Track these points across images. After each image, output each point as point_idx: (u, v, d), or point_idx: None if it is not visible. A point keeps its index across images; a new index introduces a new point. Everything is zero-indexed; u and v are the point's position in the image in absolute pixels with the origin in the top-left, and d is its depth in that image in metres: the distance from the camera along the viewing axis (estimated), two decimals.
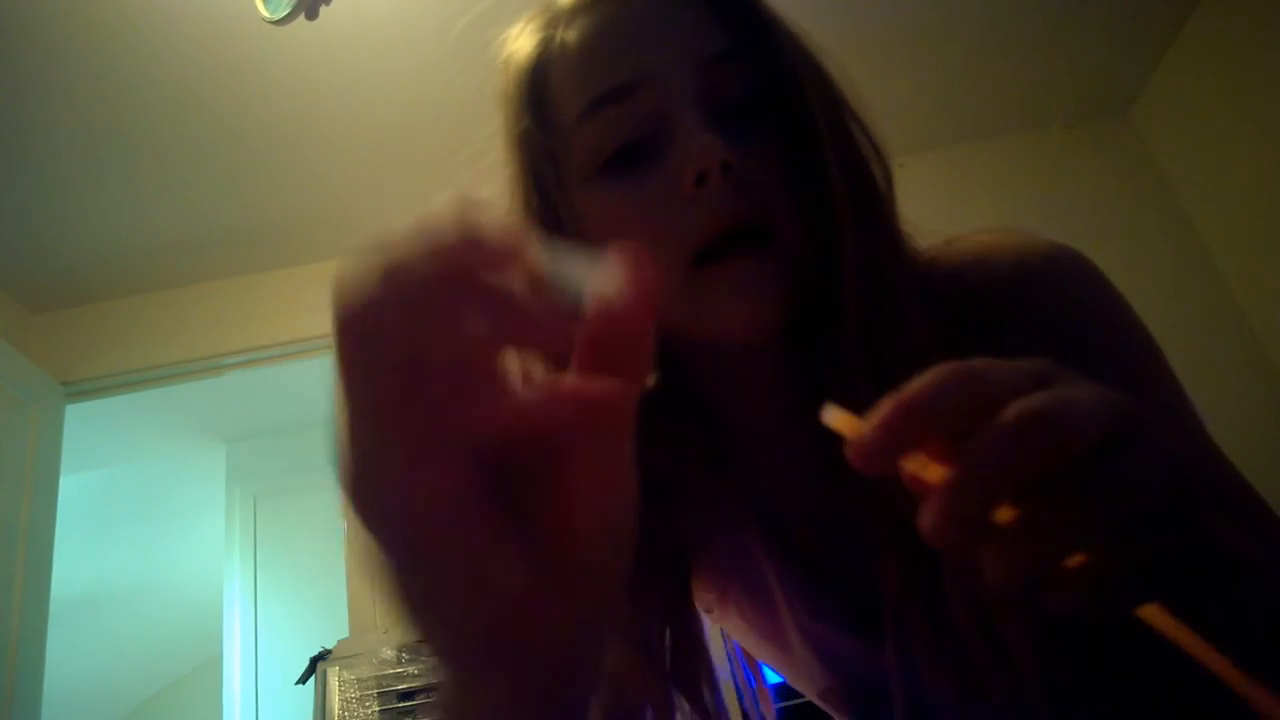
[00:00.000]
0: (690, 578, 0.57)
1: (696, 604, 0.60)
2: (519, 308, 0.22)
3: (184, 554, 4.11)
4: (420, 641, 0.25)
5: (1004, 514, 0.24)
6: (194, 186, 2.35)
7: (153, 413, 3.27)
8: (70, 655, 3.56)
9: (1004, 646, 0.41)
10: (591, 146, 0.47)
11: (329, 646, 2.02)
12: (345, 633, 2.22)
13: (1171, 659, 0.26)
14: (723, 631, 0.65)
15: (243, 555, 3.54)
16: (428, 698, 1.82)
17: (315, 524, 3.41)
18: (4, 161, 2.11)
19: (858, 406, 0.27)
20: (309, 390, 3.02)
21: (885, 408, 0.25)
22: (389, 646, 1.91)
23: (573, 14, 0.50)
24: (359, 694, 1.84)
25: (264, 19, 1.68)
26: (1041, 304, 0.46)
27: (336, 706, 1.83)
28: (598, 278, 0.23)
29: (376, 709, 1.81)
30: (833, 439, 0.27)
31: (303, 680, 1.97)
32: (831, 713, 0.59)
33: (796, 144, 0.46)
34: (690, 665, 0.54)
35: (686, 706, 0.53)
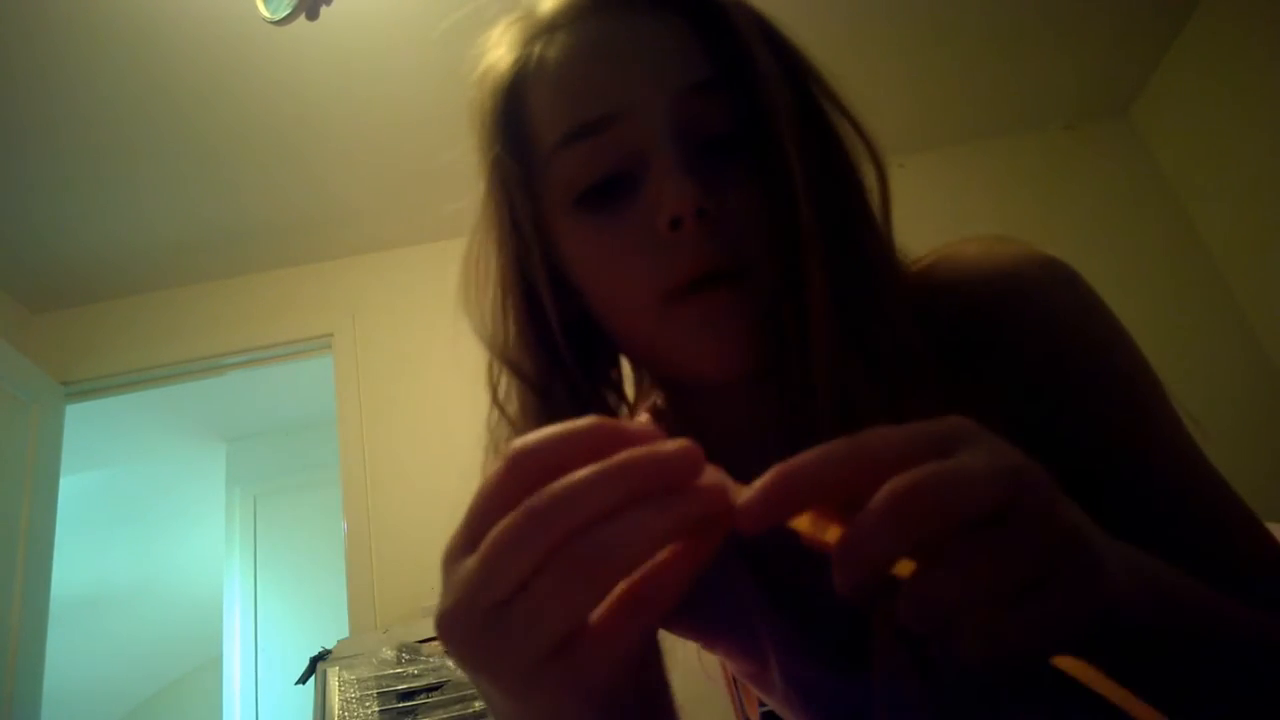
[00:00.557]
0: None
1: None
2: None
3: (184, 554, 4.11)
4: None
5: (903, 568, 0.26)
6: (194, 187, 2.35)
7: (153, 413, 3.27)
8: (70, 655, 3.57)
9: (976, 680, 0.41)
10: (568, 178, 0.46)
11: (329, 646, 2.02)
12: (345, 633, 2.22)
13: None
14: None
15: (242, 555, 3.54)
16: (427, 698, 1.82)
17: (315, 524, 3.41)
18: (4, 162, 2.11)
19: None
20: (309, 390, 3.02)
21: (768, 476, 0.26)
22: (389, 647, 1.91)
23: (551, 29, 0.49)
24: (359, 694, 1.84)
25: (265, 19, 1.68)
26: (1029, 322, 0.46)
27: (336, 707, 1.83)
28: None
29: (376, 709, 1.81)
30: None
31: (302, 680, 1.97)
32: None
33: (774, 177, 0.44)
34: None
35: None
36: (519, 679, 0.26)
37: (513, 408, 0.51)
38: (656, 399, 0.61)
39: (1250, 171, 2.45)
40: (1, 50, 1.84)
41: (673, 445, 0.26)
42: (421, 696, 1.82)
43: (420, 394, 2.50)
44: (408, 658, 1.88)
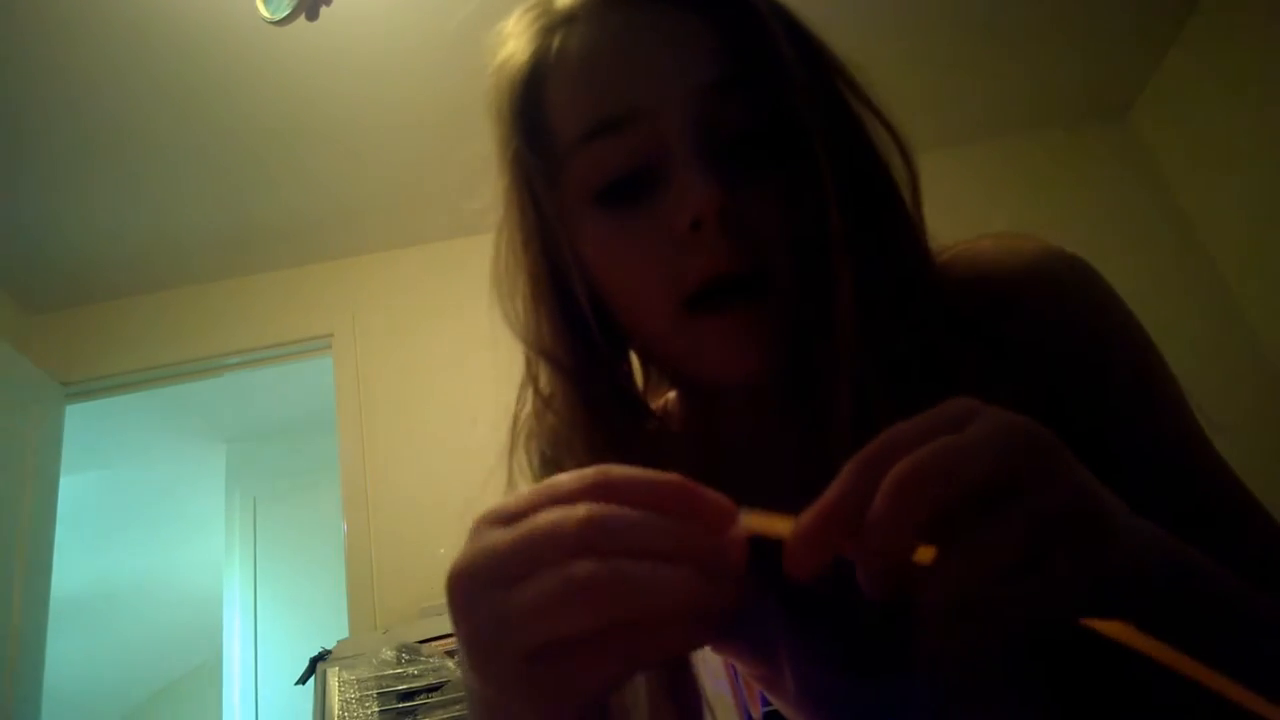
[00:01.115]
0: None
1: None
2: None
3: (184, 554, 4.11)
4: None
5: (923, 554, 0.26)
6: (194, 187, 2.35)
7: (153, 413, 3.27)
8: (70, 655, 3.56)
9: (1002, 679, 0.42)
10: (587, 175, 0.46)
11: (329, 647, 2.02)
12: (345, 633, 2.21)
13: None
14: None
15: (242, 555, 3.54)
16: (427, 698, 1.82)
17: (315, 524, 3.41)
18: (4, 162, 2.11)
19: (841, 454, 0.29)
20: (309, 390, 3.02)
21: (805, 524, 0.27)
22: (389, 647, 1.91)
23: (570, 20, 0.48)
24: (359, 694, 1.84)
25: (265, 19, 1.68)
26: (1050, 317, 0.46)
27: (336, 707, 1.83)
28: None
29: (376, 709, 1.81)
30: (829, 473, 0.29)
31: (302, 680, 1.97)
32: None
33: (799, 176, 0.44)
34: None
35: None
36: (493, 661, 0.27)
37: (557, 400, 0.50)
38: (668, 397, 0.60)
39: (1250, 171, 2.45)
40: (1, 50, 1.84)
41: (730, 535, 0.28)
42: (421, 697, 1.82)
43: (420, 394, 2.50)
44: (407, 658, 1.88)
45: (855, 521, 0.27)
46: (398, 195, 2.48)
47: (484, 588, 0.27)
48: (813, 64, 0.46)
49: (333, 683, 1.88)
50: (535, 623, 0.26)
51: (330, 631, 2.22)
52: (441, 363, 2.44)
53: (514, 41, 0.51)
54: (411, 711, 1.81)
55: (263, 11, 1.68)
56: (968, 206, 2.60)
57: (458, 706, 1.78)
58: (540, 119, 0.49)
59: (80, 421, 2.61)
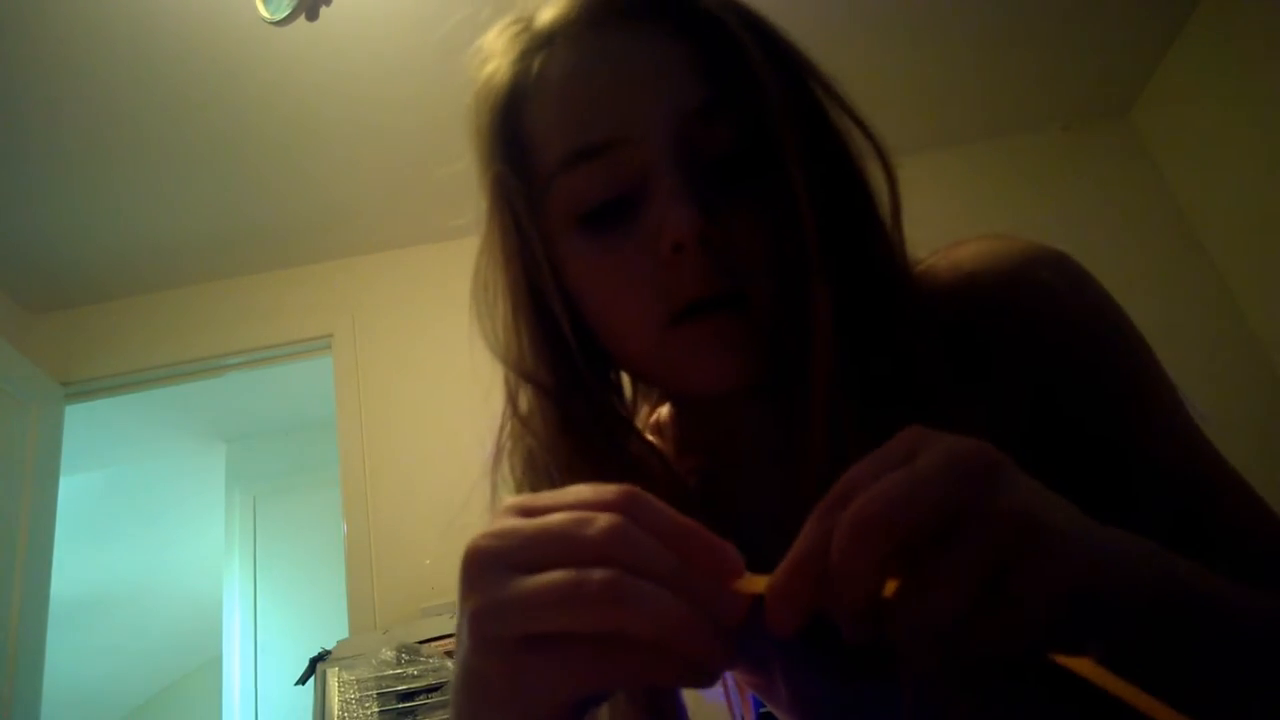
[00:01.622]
0: None
1: None
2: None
3: (184, 554, 4.11)
4: None
5: (889, 588, 0.27)
6: (194, 187, 2.35)
7: (153, 413, 3.27)
8: (70, 655, 3.57)
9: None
10: (570, 199, 0.46)
11: (328, 647, 2.02)
12: (345, 633, 2.21)
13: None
14: None
15: (242, 555, 3.54)
16: (427, 698, 1.82)
17: (315, 524, 3.41)
18: (4, 163, 2.11)
19: (818, 478, 0.30)
20: (309, 390, 3.02)
21: (778, 583, 0.28)
22: (388, 647, 1.91)
23: (550, 42, 0.48)
24: (358, 695, 1.84)
25: (265, 20, 1.68)
26: (1039, 317, 0.46)
27: (336, 707, 1.83)
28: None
29: (376, 710, 1.81)
30: (814, 481, 0.30)
31: (302, 681, 1.97)
32: None
33: (779, 198, 0.44)
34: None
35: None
36: (489, 637, 0.29)
37: (535, 421, 0.51)
38: (660, 412, 0.61)
39: (1250, 172, 2.45)
40: (1, 51, 1.84)
41: (733, 589, 0.29)
42: (421, 697, 1.82)
43: (420, 394, 2.50)
44: (407, 658, 1.88)
45: (824, 573, 0.27)
46: (398, 195, 2.48)
47: (499, 567, 0.29)
48: (792, 80, 0.46)
49: (332, 683, 1.88)
50: (540, 610, 0.27)
51: (330, 631, 2.22)
52: (441, 362, 2.44)
53: (494, 62, 0.51)
54: (411, 712, 1.81)
55: (263, 12, 1.68)
56: (968, 206, 2.61)
57: None
58: (521, 142, 0.49)
59: (80, 422, 2.61)
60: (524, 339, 0.50)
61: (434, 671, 1.85)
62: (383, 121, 2.25)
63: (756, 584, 0.29)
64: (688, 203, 0.43)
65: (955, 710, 0.42)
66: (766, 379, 0.46)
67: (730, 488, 0.55)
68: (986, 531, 0.26)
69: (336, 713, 1.82)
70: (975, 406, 0.37)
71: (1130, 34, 2.50)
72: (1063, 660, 0.27)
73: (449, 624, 1.95)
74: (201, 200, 2.40)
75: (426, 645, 1.92)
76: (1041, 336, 0.45)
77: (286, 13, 1.65)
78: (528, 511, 0.30)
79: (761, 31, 0.47)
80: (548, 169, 0.47)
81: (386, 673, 1.86)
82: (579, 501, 0.30)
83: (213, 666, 3.56)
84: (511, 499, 0.32)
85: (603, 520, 0.28)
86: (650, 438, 0.60)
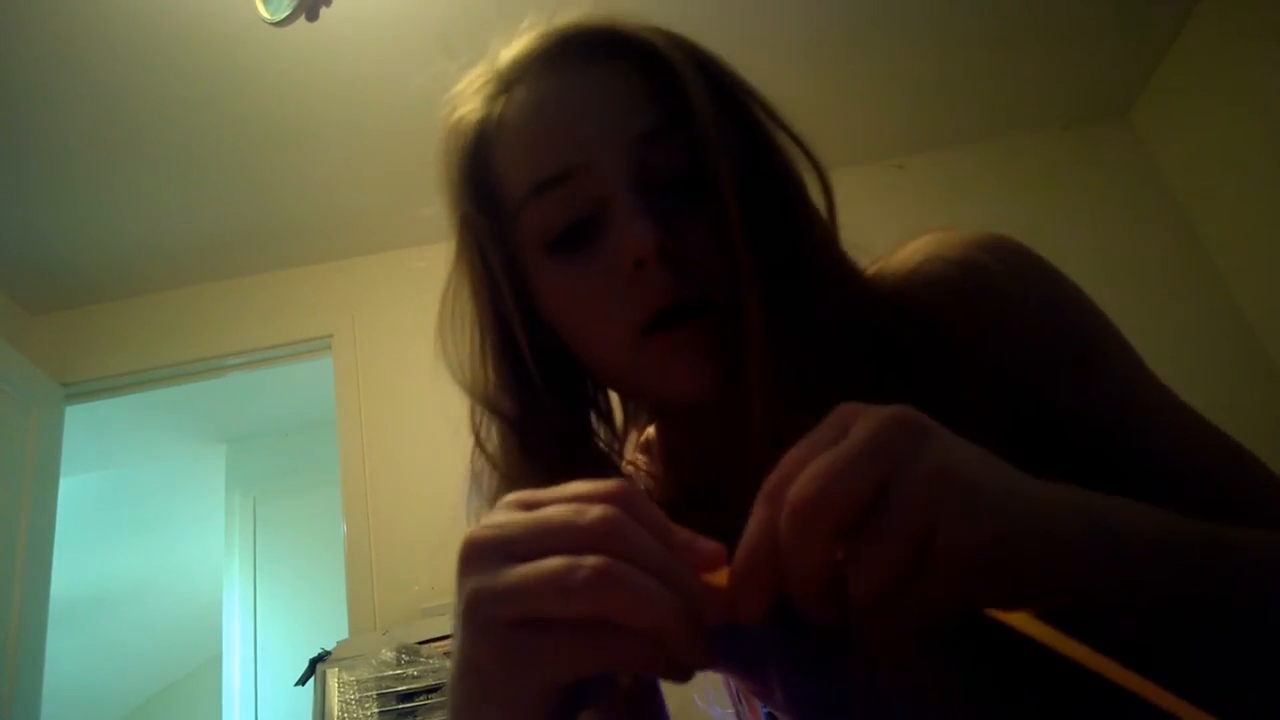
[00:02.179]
0: None
1: None
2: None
3: (184, 555, 4.11)
4: None
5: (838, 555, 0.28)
6: (194, 188, 2.35)
7: (153, 414, 3.27)
8: (70, 655, 3.57)
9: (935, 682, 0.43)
10: (537, 227, 0.49)
11: (328, 648, 2.02)
12: (345, 634, 2.21)
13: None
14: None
15: (242, 556, 3.54)
16: (427, 699, 1.82)
17: (315, 525, 3.41)
18: (4, 163, 2.11)
19: (760, 470, 0.31)
20: (309, 391, 3.02)
21: (734, 568, 0.29)
22: (388, 648, 1.91)
23: (509, 87, 0.52)
24: (358, 695, 1.84)
25: (265, 20, 1.68)
26: (974, 298, 0.47)
27: (336, 708, 1.83)
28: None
29: (376, 710, 1.81)
30: (762, 476, 0.31)
31: (302, 681, 1.97)
32: None
33: (722, 212, 0.47)
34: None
35: None
36: (482, 620, 0.30)
37: (493, 446, 0.54)
38: (649, 430, 0.63)
39: (1250, 171, 2.45)
40: (1, 51, 1.84)
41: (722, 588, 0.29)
42: (421, 698, 1.82)
43: (420, 395, 2.49)
44: (407, 659, 1.88)
45: (778, 556, 0.28)
46: (398, 197, 2.48)
47: (495, 555, 0.30)
48: (731, 105, 0.49)
49: (332, 684, 1.88)
50: (534, 594, 0.29)
51: (330, 632, 2.22)
52: (441, 363, 2.43)
53: (461, 109, 0.55)
54: (411, 712, 1.81)
55: (263, 12, 1.68)
56: (968, 206, 2.61)
57: None
58: (489, 181, 0.52)
59: (80, 423, 2.61)
60: (489, 369, 0.53)
61: (434, 672, 1.85)
62: (383, 121, 2.25)
63: (722, 576, 0.30)
64: (644, 220, 0.46)
65: (921, 688, 0.43)
66: (735, 385, 0.47)
67: (716, 496, 0.56)
68: (909, 493, 0.27)
69: (336, 713, 1.82)
70: (928, 394, 0.38)
71: (1130, 34, 2.50)
72: (997, 615, 0.28)
73: (449, 625, 1.94)
74: (202, 201, 2.40)
75: (426, 646, 1.92)
76: (987, 318, 0.47)
77: (286, 13, 1.65)
78: (526, 505, 0.32)
79: (703, 64, 0.50)
80: (515, 203, 0.50)
81: (386, 673, 1.86)
82: (576, 495, 0.31)
83: (213, 667, 3.56)
84: (511, 494, 0.33)
85: (597, 510, 0.29)
86: (639, 456, 0.63)
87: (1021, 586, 0.28)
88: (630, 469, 0.62)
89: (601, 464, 0.56)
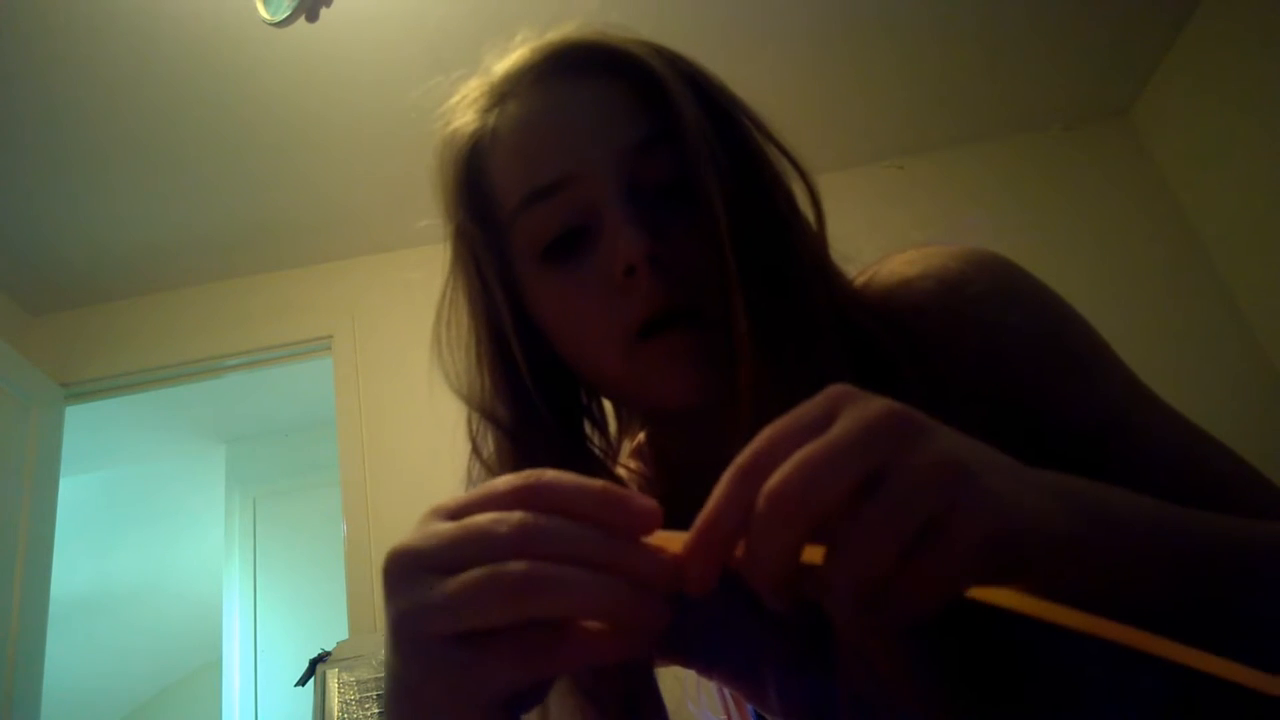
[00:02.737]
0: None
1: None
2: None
3: (183, 555, 4.11)
4: None
5: (811, 554, 0.27)
6: (194, 188, 2.35)
7: (152, 414, 3.27)
8: (70, 655, 3.57)
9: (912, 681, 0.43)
10: (530, 238, 0.50)
11: (328, 648, 2.02)
12: (345, 635, 2.21)
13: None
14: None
15: (242, 557, 3.54)
16: None
17: (315, 525, 3.41)
18: (4, 163, 2.11)
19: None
20: (309, 391, 3.02)
21: (691, 535, 0.28)
22: None
23: (502, 100, 0.53)
24: (358, 696, 1.84)
25: (265, 21, 1.68)
26: (966, 312, 0.47)
27: (336, 709, 1.83)
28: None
29: (376, 711, 1.81)
30: None
31: (302, 682, 1.97)
32: None
33: (711, 220, 0.48)
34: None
35: None
36: (417, 640, 0.29)
37: (488, 453, 0.54)
38: (641, 436, 0.64)
39: (1250, 172, 2.45)
40: (1, 51, 1.84)
41: (660, 546, 0.29)
42: None
43: (420, 395, 2.48)
44: None
45: (738, 532, 0.28)
46: (397, 197, 2.48)
47: (419, 571, 0.29)
48: (717, 114, 0.50)
49: (332, 684, 1.88)
50: (459, 609, 0.28)
51: (330, 633, 2.22)
52: (438, 371, 2.43)
53: (455, 122, 0.56)
54: None
55: (263, 13, 1.68)
56: (969, 206, 2.61)
57: None
58: (483, 192, 0.53)
59: (80, 423, 2.61)
60: (485, 377, 0.54)
61: None
62: (383, 121, 2.24)
63: (674, 542, 0.29)
64: (635, 228, 0.46)
65: (898, 686, 0.43)
66: (725, 392, 0.47)
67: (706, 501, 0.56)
68: (910, 482, 0.26)
69: (336, 714, 1.82)
70: (914, 403, 0.38)
71: (1130, 34, 2.50)
72: (985, 594, 0.27)
73: None
74: (201, 201, 2.40)
75: None
76: (974, 332, 0.47)
77: (287, 14, 1.65)
78: (450, 514, 0.31)
79: (691, 77, 0.51)
80: (508, 213, 0.51)
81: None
82: (493, 495, 0.30)
83: (213, 667, 3.56)
84: (435, 502, 0.32)
85: (514, 518, 0.29)
86: (632, 462, 0.64)
87: (1024, 576, 0.28)
88: (624, 473, 0.63)
89: (595, 471, 0.56)
